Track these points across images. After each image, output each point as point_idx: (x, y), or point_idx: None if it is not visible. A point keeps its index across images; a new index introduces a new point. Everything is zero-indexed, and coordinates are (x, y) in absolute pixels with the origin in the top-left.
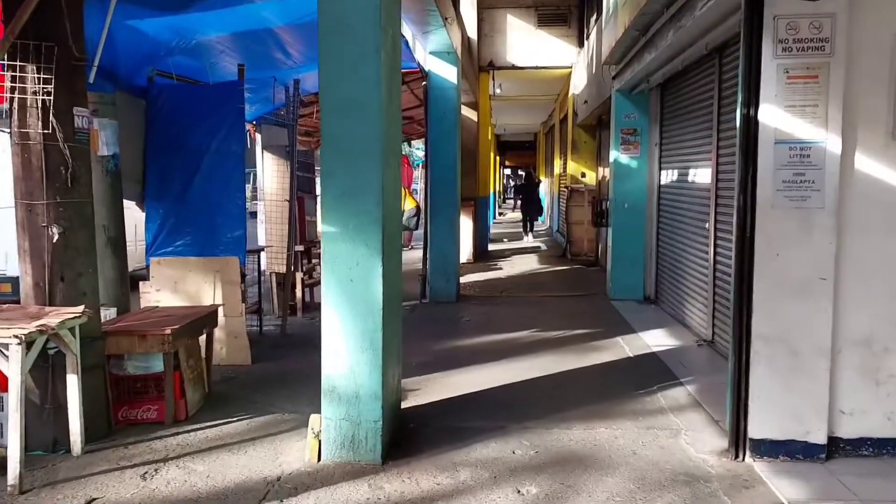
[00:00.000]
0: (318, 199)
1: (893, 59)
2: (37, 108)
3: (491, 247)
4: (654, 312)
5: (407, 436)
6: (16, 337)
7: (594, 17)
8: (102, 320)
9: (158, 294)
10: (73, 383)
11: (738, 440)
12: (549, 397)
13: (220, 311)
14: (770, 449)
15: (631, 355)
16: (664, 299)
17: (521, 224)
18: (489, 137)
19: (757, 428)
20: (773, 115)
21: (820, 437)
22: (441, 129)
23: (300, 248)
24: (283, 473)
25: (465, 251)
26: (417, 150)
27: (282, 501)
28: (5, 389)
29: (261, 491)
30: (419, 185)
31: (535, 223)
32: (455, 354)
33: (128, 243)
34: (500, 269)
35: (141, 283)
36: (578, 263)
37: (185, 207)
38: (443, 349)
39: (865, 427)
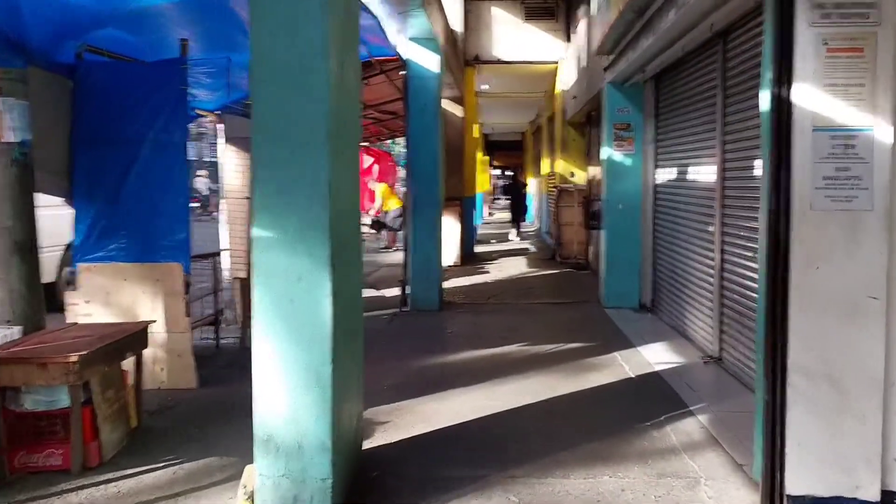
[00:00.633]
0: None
1: None
2: None
3: (478, 248)
4: (652, 323)
5: (368, 488)
6: None
7: (581, 8)
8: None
9: (88, 307)
10: None
11: (773, 497)
12: (540, 432)
13: (162, 326)
14: None
15: (632, 375)
16: (662, 308)
17: (508, 224)
18: (476, 135)
19: (795, 482)
20: (811, 96)
21: (872, 493)
22: (422, 122)
23: None
24: None
25: (451, 253)
26: (404, 147)
27: None
28: None
29: None
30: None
31: (523, 223)
32: (434, 374)
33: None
34: (487, 272)
35: (66, 293)
36: (568, 267)
37: (119, 206)
38: (421, 367)
39: None
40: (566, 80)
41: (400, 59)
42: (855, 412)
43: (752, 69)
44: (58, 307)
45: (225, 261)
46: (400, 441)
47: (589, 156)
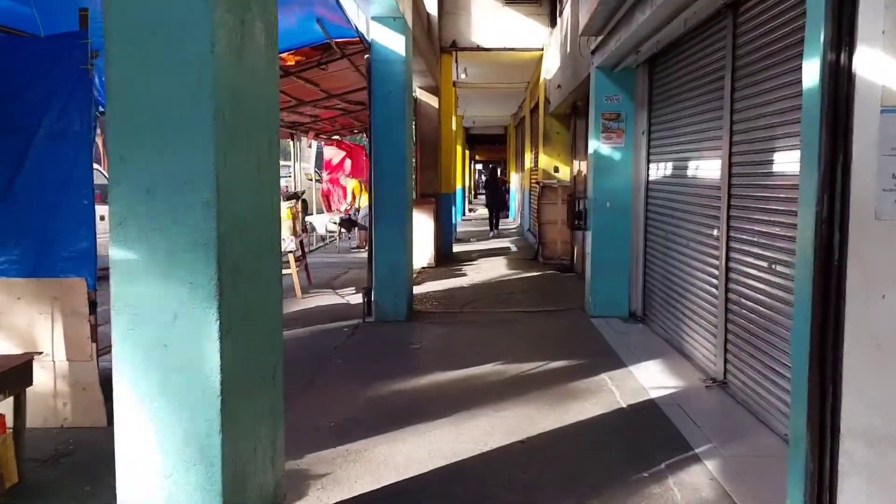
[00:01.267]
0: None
1: None
2: None
3: (456, 248)
4: (644, 335)
5: None
6: None
7: None
8: None
9: None
10: None
11: None
12: (515, 488)
13: (63, 353)
14: None
15: (623, 405)
16: (655, 317)
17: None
18: (453, 128)
19: None
20: (879, 66)
21: None
22: (388, 110)
23: None
24: None
25: (426, 254)
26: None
27: None
28: None
29: None
30: None
31: (502, 220)
32: (392, 405)
33: None
34: (465, 274)
35: None
36: (552, 268)
37: (8, 210)
38: (377, 396)
39: None
40: (550, 68)
41: (363, 40)
42: None
43: (772, 44)
44: None
45: None
46: None
47: (574, 149)
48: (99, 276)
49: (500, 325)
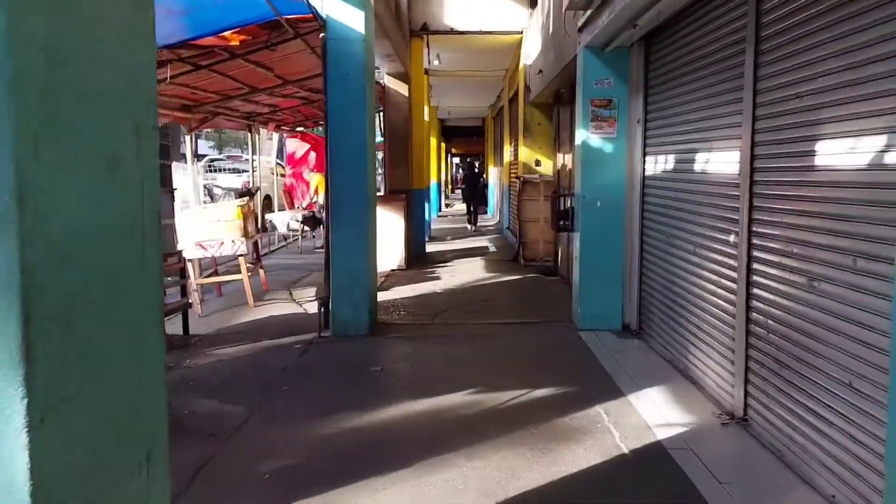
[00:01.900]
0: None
1: None
2: None
3: (430, 247)
4: (641, 353)
5: None
6: None
7: None
8: None
9: None
10: None
11: None
12: None
13: None
14: None
15: (625, 451)
16: (653, 333)
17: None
18: (426, 118)
19: None
20: None
21: None
22: (345, 93)
23: None
24: None
25: (395, 255)
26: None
27: None
28: None
29: None
30: None
31: (480, 215)
32: (340, 450)
33: None
34: (438, 278)
35: None
36: (533, 270)
37: None
38: (323, 437)
39: None
40: (530, 52)
41: (317, 17)
42: None
43: (815, 3)
44: None
45: None
46: None
47: (558, 141)
48: None
49: (476, 340)
